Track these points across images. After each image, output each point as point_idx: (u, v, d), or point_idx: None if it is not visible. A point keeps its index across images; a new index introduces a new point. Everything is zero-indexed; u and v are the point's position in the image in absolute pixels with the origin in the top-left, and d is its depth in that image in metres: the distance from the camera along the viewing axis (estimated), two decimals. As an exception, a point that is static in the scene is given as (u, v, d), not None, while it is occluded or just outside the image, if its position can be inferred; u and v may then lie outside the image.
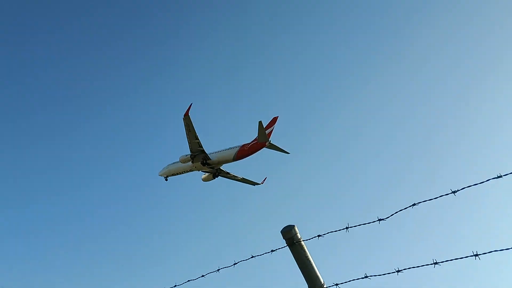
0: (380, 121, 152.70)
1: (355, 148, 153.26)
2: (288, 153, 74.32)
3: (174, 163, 79.82)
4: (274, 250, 11.88)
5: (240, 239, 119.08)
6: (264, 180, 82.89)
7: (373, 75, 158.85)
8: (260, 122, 71.64)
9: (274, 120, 75.60)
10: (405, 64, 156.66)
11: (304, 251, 11.55)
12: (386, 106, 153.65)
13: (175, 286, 12.82)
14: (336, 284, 11.13)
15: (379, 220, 10.52)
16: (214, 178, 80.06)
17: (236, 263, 12.22)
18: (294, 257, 11.60)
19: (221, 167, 79.05)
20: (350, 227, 10.88)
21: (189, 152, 75.82)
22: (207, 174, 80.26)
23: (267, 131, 74.22)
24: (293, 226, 11.65)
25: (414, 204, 10.11)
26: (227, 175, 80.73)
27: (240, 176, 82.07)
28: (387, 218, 10.41)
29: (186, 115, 70.35)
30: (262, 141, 73.99)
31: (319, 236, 11.34)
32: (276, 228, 11.72)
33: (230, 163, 78.13)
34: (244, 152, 75.59)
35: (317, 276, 11.44)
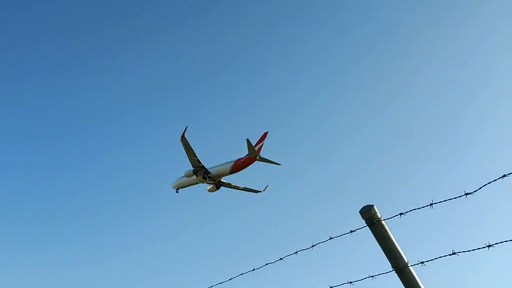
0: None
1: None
2: (279, 164, 79.45)
3: (182, 177, 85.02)
4: (353, 231, 11.66)
5: (316, 222, 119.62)
6: (265, 187, 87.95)
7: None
8: (247, 140, 76.69)
9: (264, 135, 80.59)
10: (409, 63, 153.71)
11: (386, 230, 11.30)
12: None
13: (253, 269, 12.71)
14: (422, 262, 10.84)
15: (466, 194, 10.18)
16: (218, 189, 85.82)
17: (314, 245, 12.03)
18: (375, 237, 11.36)
19: (222, 179, 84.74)
20: (435, 203, 10.57)
21: (191, 168, 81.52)
22: (211, 185, 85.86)
23: (257, 146, 79.72)
24: (372, 205, 11.41)
25: (504, 176, 9.73)
26: (229, 185, 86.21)
27: (241, 185, 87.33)
28: (475, 191, 10.06)
29: (183, 137, 75.52)
30: (252, 156, 79.39)
31: (401, 214, 11.07)
32: (354, 209, 11.50)
33: (229, 176, 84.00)
34: (238, 166, 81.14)
35: (401, 255, 11.18)
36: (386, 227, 11.36)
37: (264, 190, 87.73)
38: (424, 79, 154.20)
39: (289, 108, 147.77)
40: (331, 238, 11.95)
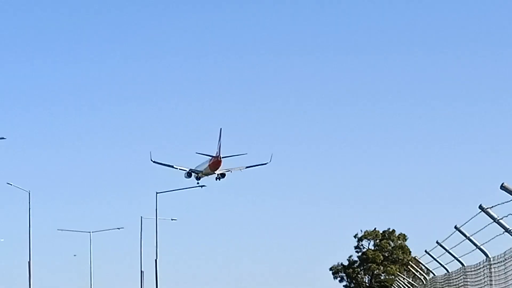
0: None
1: None
2: (245, 154, 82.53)
3: None
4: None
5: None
6: (271, 157, 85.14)
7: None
8: (197, 153, 79.74)
9: (220, 133, 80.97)
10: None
11: None
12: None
13: None
14: None
15: None
16: (224, 177, 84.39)
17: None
18: None
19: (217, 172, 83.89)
20: None
21: None
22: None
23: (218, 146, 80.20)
24: None
25: None
26: (229, 171, 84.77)
27: (243, 166, 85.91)
28: None
29: (152, 160, 79.37)
30: (215, 158, 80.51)
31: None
32: None
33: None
34: (213, 167, 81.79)
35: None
36: None
37: (270, 161, 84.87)
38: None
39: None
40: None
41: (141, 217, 79.85)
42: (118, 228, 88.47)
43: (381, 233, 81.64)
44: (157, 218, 76.15)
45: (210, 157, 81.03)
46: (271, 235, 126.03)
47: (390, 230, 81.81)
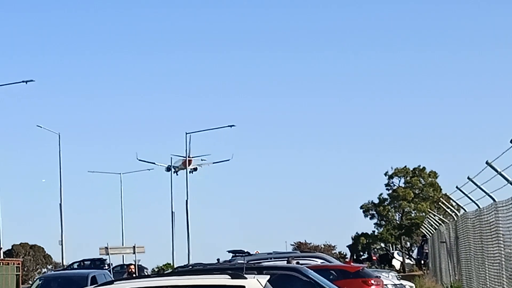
0: None
1: None
2: (208, 154, 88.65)
3: None
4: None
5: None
6: (232, 155, 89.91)
7: None
8: (172, 154, 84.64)
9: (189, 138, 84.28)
10: None
11: None
12: None
13: None
14: None
15: None
16: (196, 170, 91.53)
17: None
18: None
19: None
20: None
21: None
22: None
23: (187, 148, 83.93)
24: None
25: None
26: (200, 166, 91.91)
27: (210, 162, 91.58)
28: None
29: (137, 159, 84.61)
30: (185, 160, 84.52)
31: None
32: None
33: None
34: (184, 164, 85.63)
35: None
36: None
37: (232, 157, 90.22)
38: None
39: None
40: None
41: (171, 157, 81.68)
42: (149, 169, 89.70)
43: (412, 171, 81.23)
44: (187, 158, 77.32)
45: (183, 157, 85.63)
46: (303, 173, 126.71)
47: (421, 167, 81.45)
